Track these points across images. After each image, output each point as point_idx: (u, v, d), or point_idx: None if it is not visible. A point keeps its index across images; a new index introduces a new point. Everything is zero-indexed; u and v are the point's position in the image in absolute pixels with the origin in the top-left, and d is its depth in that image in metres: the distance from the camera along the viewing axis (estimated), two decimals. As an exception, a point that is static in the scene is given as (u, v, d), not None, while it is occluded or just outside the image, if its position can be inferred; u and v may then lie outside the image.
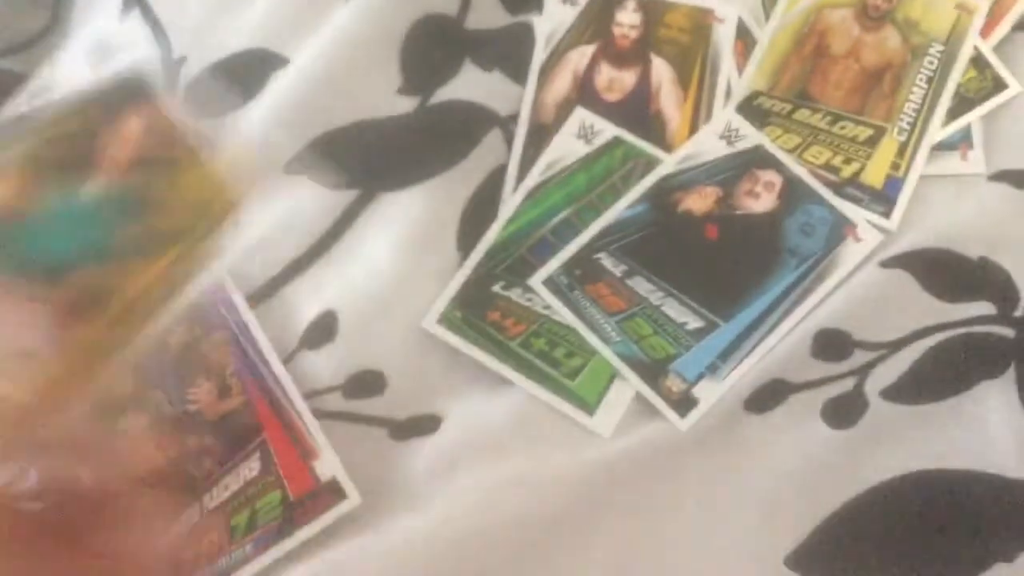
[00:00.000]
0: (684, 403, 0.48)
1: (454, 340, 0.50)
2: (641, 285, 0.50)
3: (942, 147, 0.54)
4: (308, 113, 0.55)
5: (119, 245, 0.34)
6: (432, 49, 0.57)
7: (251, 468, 0.47)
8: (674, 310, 0.50)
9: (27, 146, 0.34)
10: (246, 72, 0.58)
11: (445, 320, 0.50)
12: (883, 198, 0.53)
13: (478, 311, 0.51)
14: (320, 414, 0.49)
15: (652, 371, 0.49)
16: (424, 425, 0.49)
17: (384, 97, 0.56)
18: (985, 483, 0.47)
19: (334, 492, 0.46)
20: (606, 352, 0.49)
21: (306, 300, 0.52)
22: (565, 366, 0.49)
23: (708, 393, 0.48)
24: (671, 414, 0.48)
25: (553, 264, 0.51)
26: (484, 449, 0.48)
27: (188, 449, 0.48)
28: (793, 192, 0.52)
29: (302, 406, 0.49)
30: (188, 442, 0.48)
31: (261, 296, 0.52)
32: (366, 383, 0.50)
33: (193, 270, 0.35)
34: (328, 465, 0.46)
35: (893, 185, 0.53)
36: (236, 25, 0.59)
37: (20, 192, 0.34)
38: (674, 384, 0.48)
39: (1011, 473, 0.47)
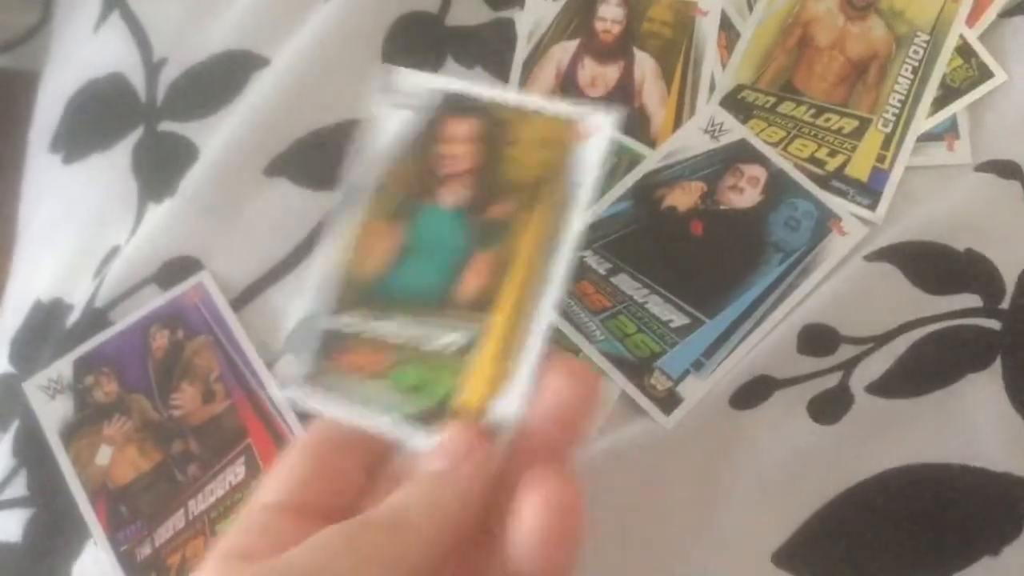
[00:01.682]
0: (669, 401, 0.48)
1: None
2: (625, 283, 0.50)
3: (928, 138, 0.54)
4: (289, 113, 0.55)
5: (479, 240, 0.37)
6: (414, 46, 0.57)
7: (236, 473, 0.47)
8: (658, 307, 0.50)
9: (373, 200, 0.38)
10: (226, 73, 0.57)
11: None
12: (869, 190, 0.52)
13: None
14: (306, 417, 0.49)
15: (637, 369, 0.49)
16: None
17: (366, 96, 0.56)
18: (971, 477, 0.46)
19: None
20: (590, 351, 0.49)
21: (290, 302, 0.52)
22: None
23: (693, 390, 0.48)
24: (656, 412, 0.48)
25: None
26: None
27: (173, 454, 0.48)
28: (777, 186, 0.52)
29: (288, 411, 0.48)
30: (173, 447, 0.48)
31: (244, 299, 0.52)
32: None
33: (559, 224, 0.36)
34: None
35: (879, 177, 0.53)
36: (216, 26, 0.59)
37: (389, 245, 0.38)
38: (659, 382, 0.48)
39: (997, 466, 0.46)
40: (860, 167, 0.53)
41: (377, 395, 0.38)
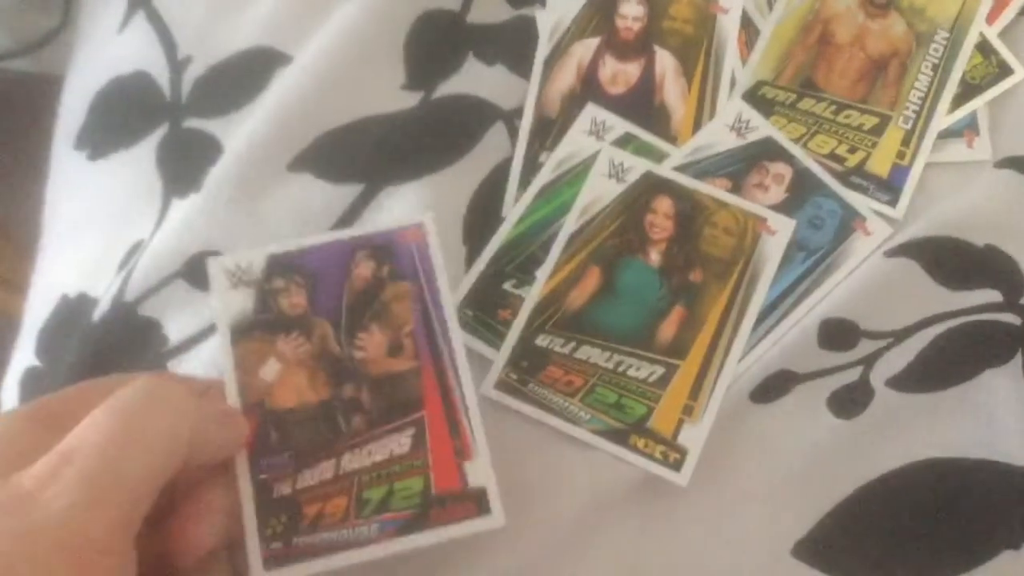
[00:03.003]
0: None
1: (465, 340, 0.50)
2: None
3: (948, 134, 0.54)
4: (311, 110, 0.55)
5: (676, 295, 0.50)
6: (435, 44, 0.57)
7: (401, 444, 0.42)
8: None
9: (594, 245, 0.51)
10: (250, 71, 0.58)
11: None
12: (889, 187, 0.53)
13: (489, 310, 0.51)
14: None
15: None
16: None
17: (388, 93, 0.56)
18: (991, 471, 0.47)
19: (479, 504, 0.41)
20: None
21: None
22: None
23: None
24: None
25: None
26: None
27: (342, 397, 0.43)
28: (802, 185, 0.52)
29: (472, 398, 0.43)
30: (344, 390, 0.43)
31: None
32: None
33: (745, 297, 0.49)
34: (481, 473, 0.42)
35: (899, 174, 0.53)
36: (240, 24, 0.59)
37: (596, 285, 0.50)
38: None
39: (1018, 460, 0.47)
40: (880, 163, 0.53)
41: (569, 407, 0.48)
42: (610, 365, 0.49)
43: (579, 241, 0.51)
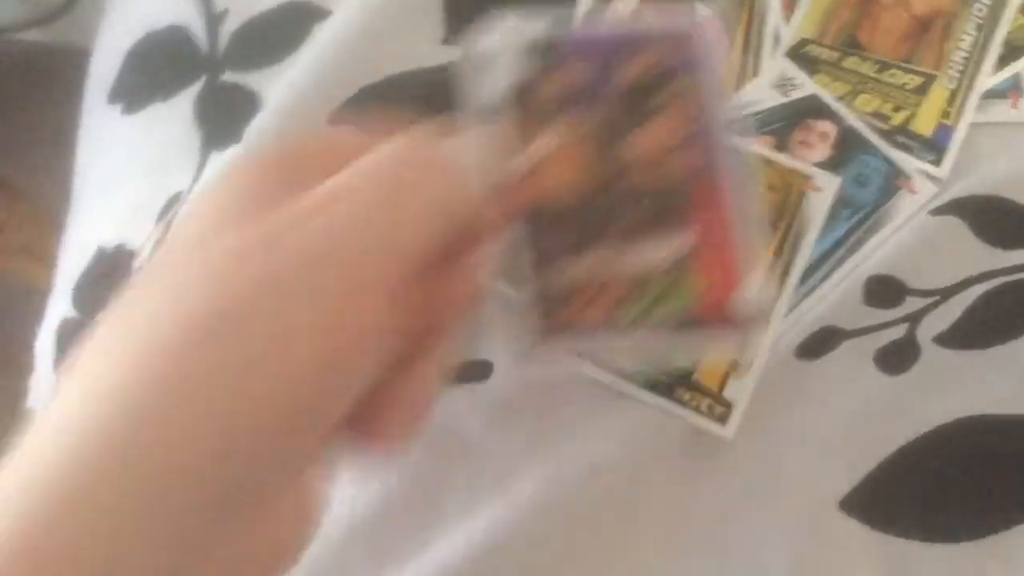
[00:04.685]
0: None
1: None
2: None
3: (992, 95, 0.54)
4: (350, 64, 0.55)
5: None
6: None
7: (663, 260, 0.39)
8: None
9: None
10: (288, 24, 0.57)
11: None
12: (933, 146, 0.52)
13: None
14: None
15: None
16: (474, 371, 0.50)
17: (428, 47, 0.56)
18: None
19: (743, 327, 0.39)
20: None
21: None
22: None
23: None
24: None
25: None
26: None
27: (609, 194, 0.40)
28: (848, 143, 0.52)
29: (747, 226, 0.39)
30: (620, 183, 0.40)
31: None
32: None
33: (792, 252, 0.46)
34: (748, 298, 0.38)
35: (943, 133, 0.53)
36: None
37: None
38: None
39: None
40: (925, 123, 0.53)
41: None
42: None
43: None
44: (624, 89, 0.41)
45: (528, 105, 0.41)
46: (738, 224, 0.39)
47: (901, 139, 0.53)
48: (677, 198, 0.39)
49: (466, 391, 0.48)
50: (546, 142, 0.39)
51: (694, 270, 0.39)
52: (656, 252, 0.38)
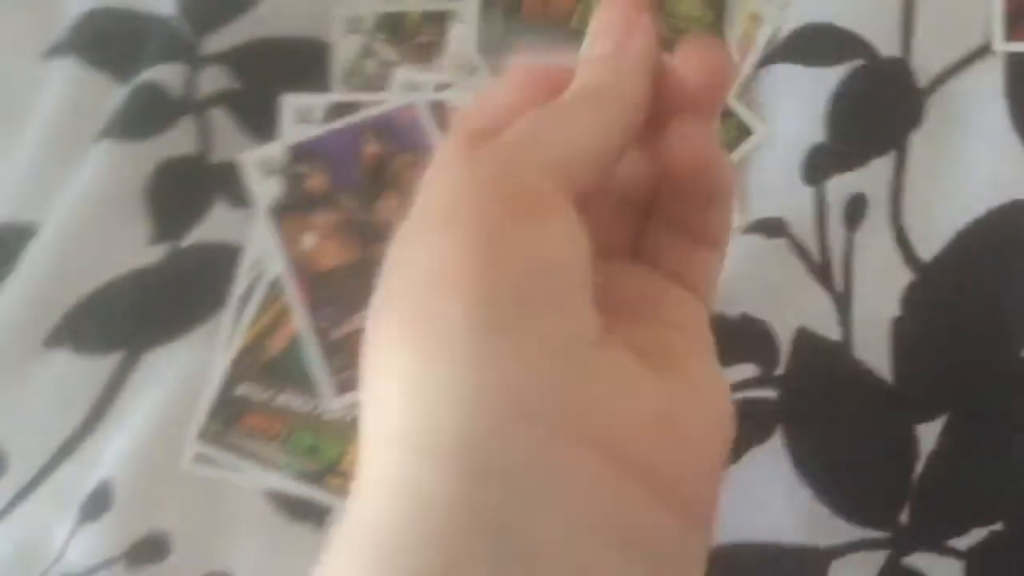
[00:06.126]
0: None
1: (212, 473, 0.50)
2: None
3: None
4: (61, 281, 0.55)
5: None
6: (178, 190, 0.56)
7: None
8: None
9: None
10: (2, 247, 0.57)
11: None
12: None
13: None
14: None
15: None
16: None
17: (137, 248, 0.55)
18: (762, 552, 0.46)
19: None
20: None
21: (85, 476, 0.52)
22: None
23: None
24: None
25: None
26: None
27: (374, 256, 0.47)
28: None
29: None
30: (374, 250, 0.50)
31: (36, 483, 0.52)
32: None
33: None
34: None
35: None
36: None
37: None
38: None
39: (788, 538, 0.46)
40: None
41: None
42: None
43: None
44: (365, 171, 0.53)
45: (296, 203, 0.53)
46: None
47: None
48: None
49: None
50: (309, 239, 0.53)
51: None
52: None
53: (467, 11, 0.56)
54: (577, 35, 0.31)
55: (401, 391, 0.24)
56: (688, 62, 0.30)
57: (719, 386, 0.29)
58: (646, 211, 0.33)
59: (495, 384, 0.24)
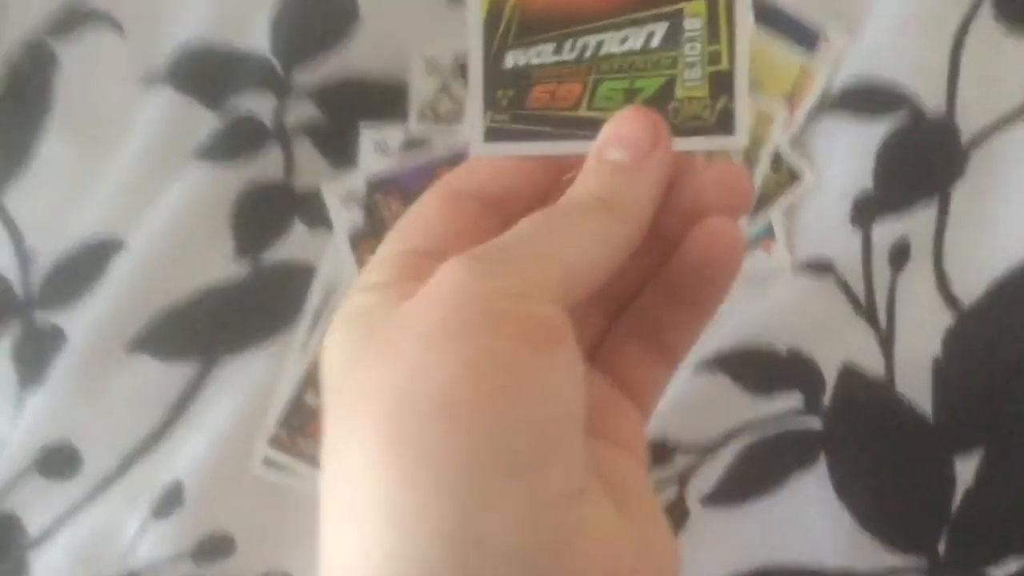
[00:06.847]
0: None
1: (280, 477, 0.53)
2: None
3: (746, 244, 0.56)
4: (146, 291, 0.58)
5: None
6: (262, 212, 0.60)
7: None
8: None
9: None
10: (89, 260, 0.60)
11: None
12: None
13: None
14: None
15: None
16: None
17: (221, 262, 0.59)
18: (804, 574, 0.48)
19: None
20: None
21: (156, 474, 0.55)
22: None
23: None
24: None
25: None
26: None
27: None
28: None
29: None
30: None
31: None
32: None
33: None
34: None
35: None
36: (80, 214, 0.62)
37: None
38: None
39: (831, 564, 0.48)
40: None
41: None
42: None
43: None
44: None
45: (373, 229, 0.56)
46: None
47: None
48: None
49: None
50: None
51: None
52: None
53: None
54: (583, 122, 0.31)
55: (378, 520, 0.23)
56: (709, 175, 0.30)
57: (668, 530, 0.29)
58: (614, 314, 0.33)
59: (491, 535, 0.23)
